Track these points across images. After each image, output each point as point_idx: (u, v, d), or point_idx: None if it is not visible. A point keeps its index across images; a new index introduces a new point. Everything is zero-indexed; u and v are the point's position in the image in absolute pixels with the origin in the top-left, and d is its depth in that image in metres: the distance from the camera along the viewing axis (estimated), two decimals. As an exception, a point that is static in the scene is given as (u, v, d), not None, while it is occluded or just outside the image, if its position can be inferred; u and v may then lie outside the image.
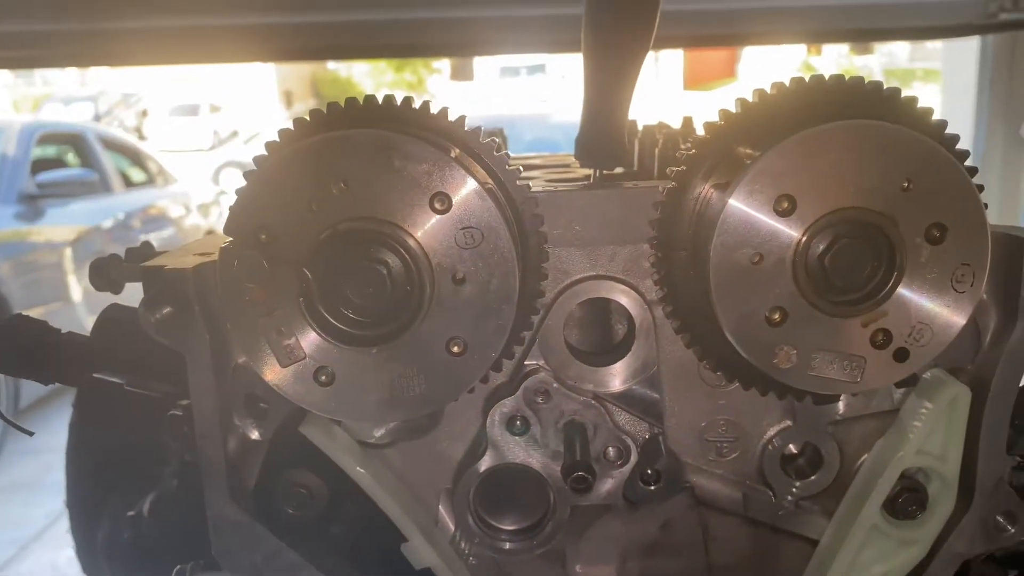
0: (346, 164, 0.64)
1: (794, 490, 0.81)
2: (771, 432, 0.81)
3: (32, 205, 6.23)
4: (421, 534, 0.80)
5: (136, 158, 7.65)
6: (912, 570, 0.79)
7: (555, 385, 0.78)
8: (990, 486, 0.77)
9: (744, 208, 0.65)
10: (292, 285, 0.66)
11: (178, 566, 0.92)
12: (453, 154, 0.65)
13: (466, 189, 0.65)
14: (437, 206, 0.65)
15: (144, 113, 11.77)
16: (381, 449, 0.82)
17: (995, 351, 0.76)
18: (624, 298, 0.78)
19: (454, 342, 0.67)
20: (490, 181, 0.68)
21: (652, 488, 0.80)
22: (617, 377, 0.79)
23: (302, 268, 0.65)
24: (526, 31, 2.80)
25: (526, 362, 0.79)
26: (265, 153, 0.69)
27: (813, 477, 0.81)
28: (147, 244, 0.86)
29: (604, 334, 0.85)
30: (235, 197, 0.66)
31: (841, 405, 0.80)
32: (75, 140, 7.03)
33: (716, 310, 0.67)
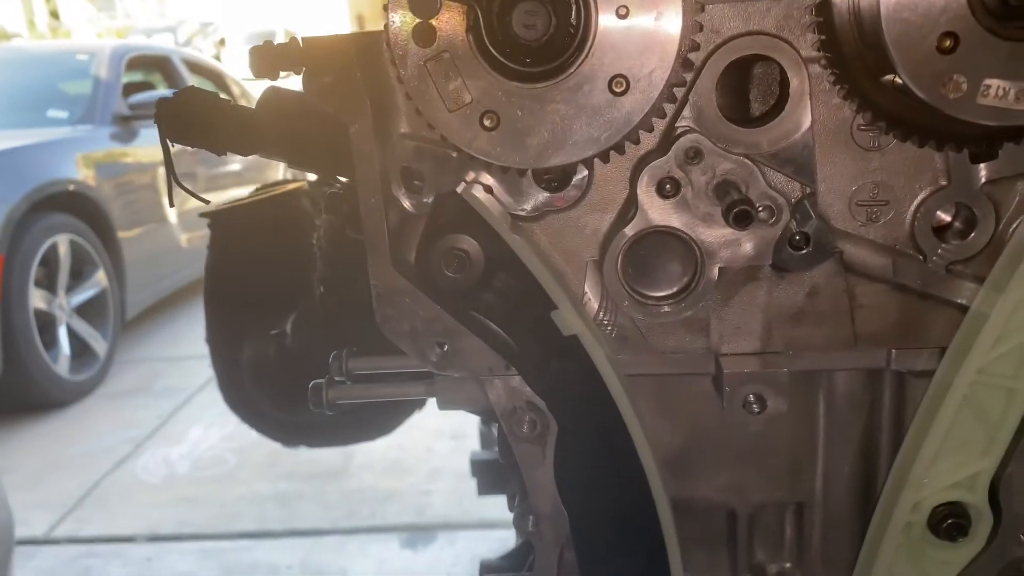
0: None
1: (943, 252, 0.81)
2: (924, 194, 0.80)
3: (126, 127, 6.45)
4: (569, 302, 0.83)
5: (219, 81, 7.80)
6: (1070, 329, 0.78)
7: (708, 144, 0.79)
8: None
9: (917, -71, 0.64)
10: (460, 22, 0.68)
11: (333, 352, 0.98)
12: None
13: (632, -84, 0.65)
14: (602, -63, 0.66)
15: (222, 42, 11.96)
16: (529, 222, 0.85)
17: None
18: (780, 54, 0.77)
19: (617, 80, 0.68)
20: (651, -84, 0.68)
21: (801, 253, 0.81)
22: (769, 138, 0.79)
23: (470, 2, 0.67)
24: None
25: (676, 125, 0.80)
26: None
27: (967, 239, 0.81)
28: (294, 39, 0.89)
29: (741, 111, 0.85)
30: (402, -60, 0.68)
31: (998, 164, 0.79)
32: (162, 64, 7.20)
33: (886, 41, 0.66)
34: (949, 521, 0.84)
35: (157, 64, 7.17)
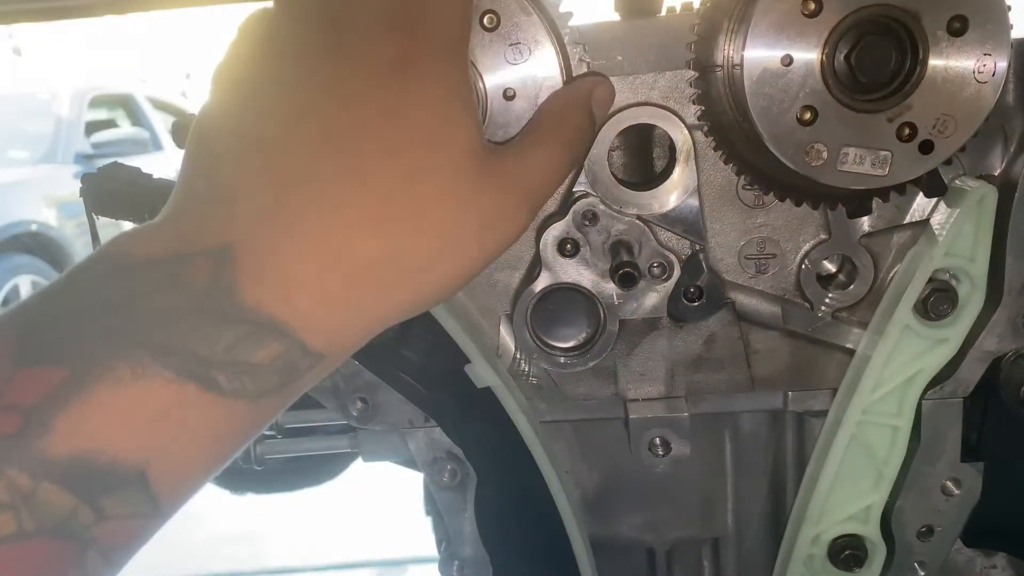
0: (403, -10, 0.70)
1: (829, 301, 0.87)
2: (807, 247, 0.86)
3: (89, 165, 6.42)
4: (483, 356, 0.88)
5: (182, 117, 7.78)
6: (945, 369, 0.84)
7: (602, 207, 0.84)
8: (1018, 285, 0.81)
9: (773, 14, 0.70)
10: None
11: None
12: (500, -26, 0.71)
13: (513, 6, 0.71)
14: (487, 24, 0.71)
15: (187, 76, 11.97)
16: (444, 280, 0.89)
17: (1021, 154, 0.80)
18: (665, 123, 0.83)
19: (508, 155, 0.73)
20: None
21: (695, 305, 0.86)
22: (659, 200, 0.85)
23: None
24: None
25: (574, 190, 0.85)
26: None
27: (848, 288, 0.86)
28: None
29: (645, 172, 0.90)
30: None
31: (874, 218, 0.85)
32: (125, 101, 7.19)
33: (751, 114, 0.72)
34: (847, 552, 0.89)
35: (120, 102, 7.17)
